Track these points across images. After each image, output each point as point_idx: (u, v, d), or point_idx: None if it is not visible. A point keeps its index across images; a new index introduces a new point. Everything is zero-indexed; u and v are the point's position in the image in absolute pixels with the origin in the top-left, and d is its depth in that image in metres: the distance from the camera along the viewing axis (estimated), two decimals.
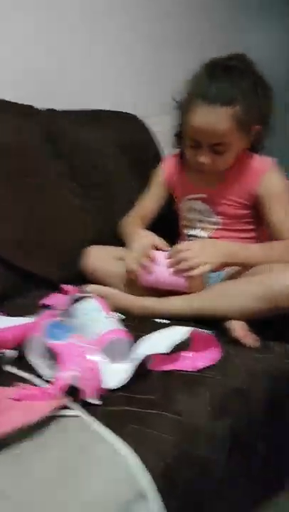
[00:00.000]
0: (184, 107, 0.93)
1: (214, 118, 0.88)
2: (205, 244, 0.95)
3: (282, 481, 0.88)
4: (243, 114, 0.88)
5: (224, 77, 0.89)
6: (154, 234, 0.97)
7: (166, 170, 1.11)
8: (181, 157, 1.05)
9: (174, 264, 0.88)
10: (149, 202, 1.13)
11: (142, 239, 0.94)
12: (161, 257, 0.91)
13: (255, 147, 1.01)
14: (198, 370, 0.73)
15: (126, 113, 1.37)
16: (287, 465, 0.87)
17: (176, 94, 0.96)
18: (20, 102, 1.16)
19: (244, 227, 1.02)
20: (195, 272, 0.86)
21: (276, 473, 0.85)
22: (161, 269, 0.90)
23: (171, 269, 0.89)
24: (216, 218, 1.03)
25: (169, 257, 0.90)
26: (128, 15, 1.48)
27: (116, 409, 0.64)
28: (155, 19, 1.56)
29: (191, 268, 0.86)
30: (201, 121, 0.89)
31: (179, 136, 1.02)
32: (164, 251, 0.92)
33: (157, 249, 0.93)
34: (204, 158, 0.93)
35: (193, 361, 0.74)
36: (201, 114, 0.89)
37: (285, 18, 2.06)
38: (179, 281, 0.89)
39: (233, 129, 0.89)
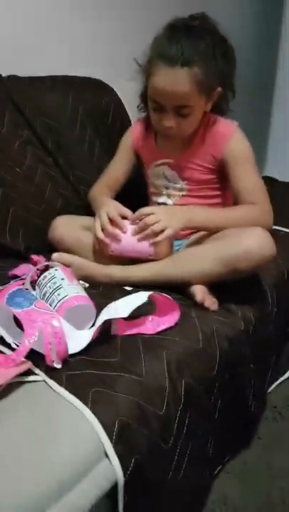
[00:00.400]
0: (146, 70, 0.92)
1: (173, 79, 0.87)
2: (167, 209, 0.96)
3: (244, 440, 0.94)
4: (202, 75, 0.87)
5: (183, 38, 0.87)
6: (119, 203, 0.97)
7: (133, 134, 1.11)
8: (148, 122, 1.04)
9: (138, 231, 0.90)
10: (117, 168, 1.12)
11: (109, 207, 0.94)
12: (126, 225, 0.92)
13: (220, 110, 1.01)
14: (159, 333, 0.76)
15: (93, 78, 1.33)
16: (247, 424, 0.93)
17: (140, 58, 0.94)
18: None
19: (209, 193, 1.03)
20: (159, 238, 0.87)
21: (237, 433, 0.90)
22: (128, 237, 0.91)
23: (137, 237, 0.90)
24: (181, 184, 1.03)
25: (133, 223, 0.91)
26: None
27: (79, 372, 0.67)
28: None
29: (155, 233, 0.87)
30: (161, 83, 0.88)
31: (145, 100, 1.00)
32: (129, 219, 0.93)
33: (123, 218, 0.93)
34: (169, 122, 0.93)
35: (154, 324, 0.77)
36: (160, 75, 0.88)
37: None
38: (146, 249, 0.90)
39: (194, 91, 0.88)
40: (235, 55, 0.96)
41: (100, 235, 0.91)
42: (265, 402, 0.97)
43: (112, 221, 0.92)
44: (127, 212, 0.94)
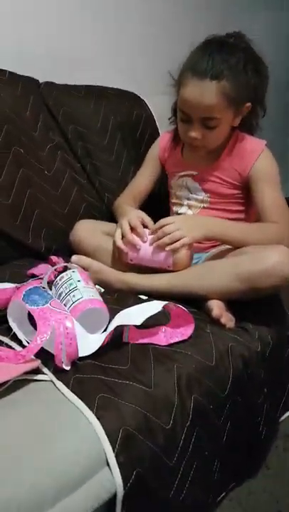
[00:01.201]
0: (178, 81, 0.95)
1: (201, 91, 0.89)
2: (187, 218, 0.96)
3: (251, 467, 0.89)
4: (231, 89, 0.89)
5: (215, 52, 0.90)
6: (142, 212, 0.97)
7: (160, 146, 1.13)
8: (176, 133, 1.06)
9: (157, 240, 0.89)
10: (143, 179, 1.14)
11: (131, 216, 0.95)
12: (146, 234, 0.92)
13: (249, 127, 1.01)
14: (171, 345, 0.74)
15: (126, 91, 1.35)
16: (256, 451, 0.88)
17: (174, 71, 0.96)
18: (26, 74, 1.16)
19: (232, 208, 1.03)
20: (176, 245, 0.86)
21: (244, 459, 0.86)
22: (147, 247, 0.91)
23: (156, 247, 0.89)
24: (203, 196, 1.03)
25: (152, 233, 0.91)
26: None
27: (87, 376, 0.66)
28: (159, 3, 1.54)
29: (173, 242, 0.87)
30: (189, 94, 0.90)
31: (175, 112, 1.02)
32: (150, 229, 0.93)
33: (144, 227, 0.93)
34: (194, 133, 0.94)
35: (167, 336, 0.75)
36: (189, 86, 0.90)
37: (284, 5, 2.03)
38: (164, 260, 0.90)
39: (221, 104, 0.90)
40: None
41: (119, 242, 0.92)
42: (277, 430, 0.93)
43: (133, 230, 0.92)
44: (150, 221, 0.94)
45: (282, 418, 0.97)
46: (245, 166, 0.98)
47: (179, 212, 1.07)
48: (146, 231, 0.92)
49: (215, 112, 0.91)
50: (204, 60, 0.89)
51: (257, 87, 0.95)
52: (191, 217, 1.02)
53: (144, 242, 0.91)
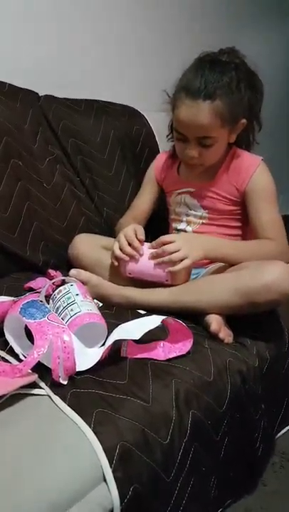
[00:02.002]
0: (172, 101, 0.96)
1: (196, 112, 0.90)
2: (188, 238, 0.97)
3: (248, 484, 0.88)
4: (224, 108, 0.90)
5: (207, 71, 0.90)
6: (139, 226, 0.98)
7: (156, 167, 1.15)
8: (174, 151, 1.07)
9: (157, 256, 0.89)
10: (143, 201, 1.15)
11: (127, 230, 0.95)
12: (145, 248, 0.92)
13: (245, 142, 1.03)
14: (169, 360, 0.74)
15: (126, 106, 1.37)
16: (253, 467, 0.88)
17: (169, 89, 0.97)
18: (28, 88, 1.18)
19: (231, 224, 1.04)
20: (178, 267, 0.87)
21: (241, 475, 0.85)
22: (145, 261, 0.91)
23: (155, 262, 0.90)
24: (202, 212, 1.04)
25: (151, 247, 0.91)
26: (131, 11, 1.49)
27: (85, 391, 0.65)
28: (156, 20, 1.58)
29: (174, 261, 0.87)
30: (184, 115, 0.91)
31: (172, 130, 1.03)
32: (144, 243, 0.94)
33: (138, 240, 0.94)
34: (191, 152, 0.95)
35: (165, 351, 0.75)
36: (183, 108, 0.91)
37: (280, 20, 2.08)
38: (163, 274, 0.90)
39: (216, 123, 0.91)
40: (264, 89, 0.98)
41: (118, 252, 0.92)
42: (274, 447, 0.92)
43: (129, 244, 0.92)
44: (141, 234, 0.95)
45: (279, 435, 0.96)
46: (242, 181, 0.99)
47: (178, 228, 1.08)
48: (146, 245, 0.93)
49: (210, 132, 0.92)
50: (197, 80, 0.90)
51: (252, 103, 0.96)
52: (191, 236, 1.03)
53: (141, 255, 0.91)
